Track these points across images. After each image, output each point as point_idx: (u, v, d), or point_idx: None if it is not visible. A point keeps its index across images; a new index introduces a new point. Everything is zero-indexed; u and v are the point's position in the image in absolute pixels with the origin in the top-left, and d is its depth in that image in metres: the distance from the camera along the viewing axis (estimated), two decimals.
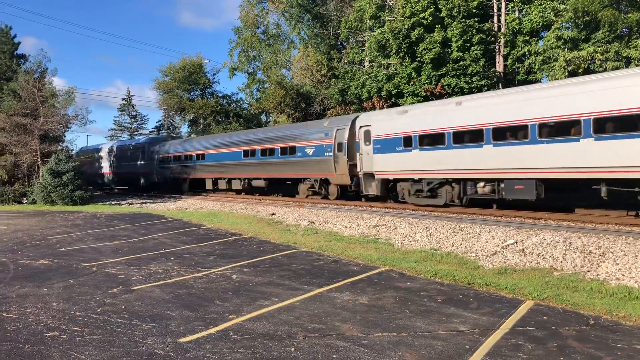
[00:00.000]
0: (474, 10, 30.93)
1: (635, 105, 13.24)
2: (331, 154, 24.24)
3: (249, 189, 32.26)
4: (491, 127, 16.70)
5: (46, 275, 10.92)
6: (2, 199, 33.81)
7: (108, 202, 33.37)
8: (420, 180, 19.58)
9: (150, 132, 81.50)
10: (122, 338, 6.69)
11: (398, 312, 7.55)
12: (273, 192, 31.25)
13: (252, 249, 13.60)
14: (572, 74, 24.92)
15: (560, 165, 15.03)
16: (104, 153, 49.10)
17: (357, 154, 22.49)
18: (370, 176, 21.89)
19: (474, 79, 30.26)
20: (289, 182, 29.09)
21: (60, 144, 38.27)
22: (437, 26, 30.90)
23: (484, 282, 9.06)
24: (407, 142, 19.62)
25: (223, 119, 54.69)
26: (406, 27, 31.52)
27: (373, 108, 32.89)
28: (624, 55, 24.45)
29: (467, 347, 6.08)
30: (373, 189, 21.97)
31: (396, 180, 21.04)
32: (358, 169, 22.59)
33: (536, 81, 29.65)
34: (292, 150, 26.96)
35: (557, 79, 24.86)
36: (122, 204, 31.77)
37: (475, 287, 8.89)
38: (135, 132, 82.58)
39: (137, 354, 6.10)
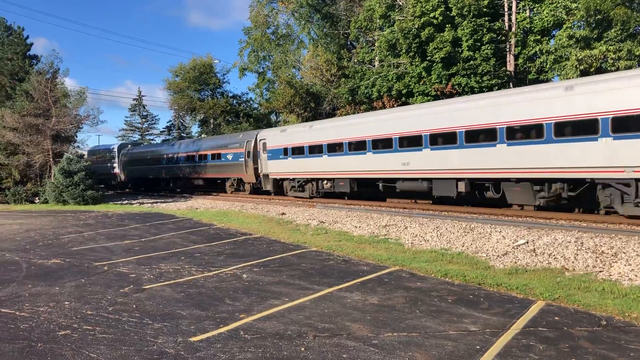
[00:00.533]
0: (485, 10, 30.78)
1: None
2: (243, 159, 31.41)
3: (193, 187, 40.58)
4: (326, 143, 24.33)
5: (58, 275, 11.01)
6: (15, 199, 34.13)
7: (119, 202, 33.59)
8: (294, 179, 27.29)
9: (161, 132, 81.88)
10: (133, 337, 6.74)
11: (408, 312, 7.54)
12: (210, 190, 38.03)
13: (262, 248, 13.63)
14: (584, 73, 24.73)
15: (360, 169, 22.43)
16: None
17: (259, 160, 29.80)
18: (266, 176, 29.21)
19: (485, 78, 30.11)
20: (219, 181, 36.26)
21: (72, 144, 38.55)
22: (447, 25, 30.77)
23: (495, 283, 9.02)
24: (285, 152, 27.04)
25: (233, 118, 54.86)
26: (416, 26, 31.42)
27: (383, 107, 32.83)
28: (637, 54, 24.23)
29: (478, 347, 6.06)
30: (269, 186, 29.08)
31: (282, 179, 28.50)
32: (259, 171, 29.88)
33: (547, 80, 29.44)
34: (219, 156, 34.29)
35: (569, 78, 24.68)
36: (133, 204, 31.95)
37: (486, 287, 8.85)
38: (146, 133, 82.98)
39: (148, 353, 6.13)
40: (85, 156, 43.87)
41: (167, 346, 6.35)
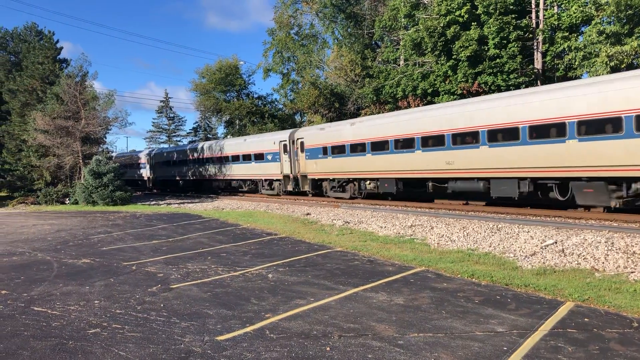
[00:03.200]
0: (511, 7, 30.37)
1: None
2: None
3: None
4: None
5: (88, 274, 11.22)
6: (46, 200, 34.91)
7: (147, 203, 34.05)
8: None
9: (187, 133, 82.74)
10: (161, 335, 6.83)
11: (434, 312, 7.49)
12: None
13: (287, 248, 13.68)
14: (615, 69, 24.22)
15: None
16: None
17: None
18: None
19: (512, 76, 29.71)
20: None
21: (101, 145, 39.25)
22: (473, 23, 30.46)
23: (523, 283, 8.90)
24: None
25: (258, 119, 55.15)
26: (442, 25, 31.17)
27: (408, 106, 32.65)
28: None
29: (505, 348, 5.99)
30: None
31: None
32: None
33: (576, 78, 28.93)
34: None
35: (599, 74, 24.20)
36: (160, 204, 32.36)
37: (513, 287, 8.74)
38: (173, 134, 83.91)
39: (176, 351, 6.21)
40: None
41: (194, 345, 6.43)
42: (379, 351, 6.02)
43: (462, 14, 30.71)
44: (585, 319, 6.95)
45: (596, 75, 24.11)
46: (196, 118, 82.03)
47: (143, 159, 50.69)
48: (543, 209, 17.29)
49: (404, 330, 6.73)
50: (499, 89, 29.23)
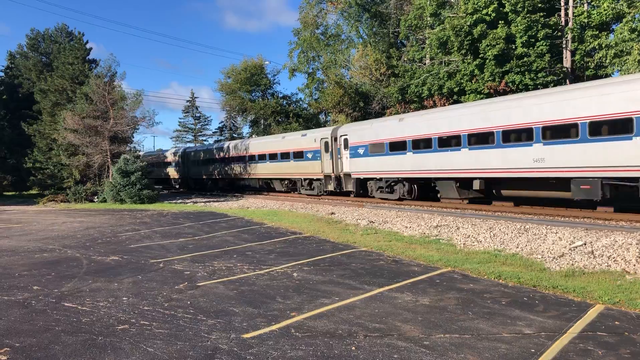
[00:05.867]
0: (540, 5, 29.93)
1: None
2: None
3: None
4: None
5: (116, 271, 11.40)
6: (75, 198, 35.59)
7: (174, 201, 34.45)
8: None
9: (213, 132, 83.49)
10: (188, 332, 6.91)
11: (460, 313, 7.42)
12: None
13: (312, 247, 13.71)
14: None
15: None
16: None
17: None
18: None
19: (540, 75, 29.28)
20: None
21: (129, 144, 39.83)
22: (500, 22, 30.09)
23: (551, 285, 8.76)
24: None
25: (283, 119, 55.38)
26: (468, 23, 30.86)
27: (434, 106, 32.42)
28: None
29: (533, 350, 5.91)
30: None
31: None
32: None
33: (607, 76, 28.38)
34: None
35: (631, 72, 23.69)
36: (187, 203, 32.72)
37: (541, 289, 8.61)
38: (199, 134, 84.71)
39: (202, 348, 6.28)
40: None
41: (220, 342, 6.48)
42: (405, 351, 6.00)
43: (489, 12, 30.38)
44: (616, 322, 6.81)
45: (628, 73, 23.60)
46: (221, 118, 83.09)
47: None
48: (572, 209, 17.00)
49: (430, 331, 6.69)
50: (526, 88, 28.83)
